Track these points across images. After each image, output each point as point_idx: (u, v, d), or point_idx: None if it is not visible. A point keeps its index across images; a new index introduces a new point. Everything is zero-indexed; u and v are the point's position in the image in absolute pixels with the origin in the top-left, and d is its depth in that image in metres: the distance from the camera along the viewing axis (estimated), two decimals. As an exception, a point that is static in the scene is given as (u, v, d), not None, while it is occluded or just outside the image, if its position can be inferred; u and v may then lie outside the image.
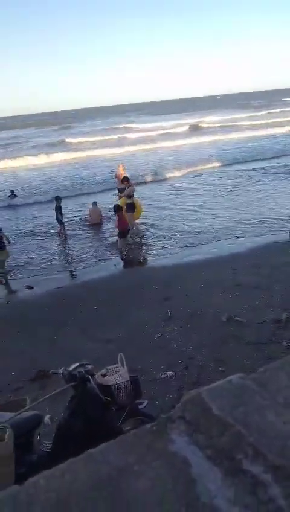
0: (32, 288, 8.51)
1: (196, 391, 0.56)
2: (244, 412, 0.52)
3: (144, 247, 10.58)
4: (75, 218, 13.72)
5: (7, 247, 9.66)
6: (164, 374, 4.96)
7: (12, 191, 17.48)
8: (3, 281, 9.14)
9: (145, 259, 9.81)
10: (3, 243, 9.47)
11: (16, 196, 17.23)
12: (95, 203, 13.27)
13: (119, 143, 33.33)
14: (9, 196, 17.26)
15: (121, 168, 14.48)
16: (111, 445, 0.51)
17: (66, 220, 12.79)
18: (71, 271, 9.56)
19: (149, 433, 0.53)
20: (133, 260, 10.08)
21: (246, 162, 21.02)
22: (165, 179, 18.55)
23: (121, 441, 0.52)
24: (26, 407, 3.27)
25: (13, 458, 2.86)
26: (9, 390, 4.99)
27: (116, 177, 14.42)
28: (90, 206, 13.21)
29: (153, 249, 10.29)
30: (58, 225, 12.30)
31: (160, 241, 10.80)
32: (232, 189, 15.52)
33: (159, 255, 9.77)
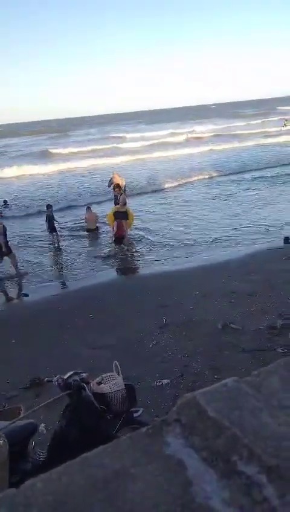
0: (27, 295, 8.48)
1: (191, 394, 0.57)
2: (239, 414, 0.53)
3: (138, 255, 10.60)
4: (69, 223, 13.77)
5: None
6: (159, 382, 4.94)
7: (5, 201, 17.38)
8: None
9: (139, 267, 9.83)
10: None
11: (8, 206, 17.11)
12: (89, 208, 13.28)
13: (109, 153, 32.53)
14: (1, 206, 17.15)
15: (116, 176, 14.43)
16: (107, 448, 0.52)
17: (60, 226, 12.80)
18: (66, 279, 9.54)
19: (145, 437, 0.53)
20: (127, 268, 10.10)
21: (241, 172, 21.10)
22: (160, 189, 18.51)
23: (116, 445, 0.52)
24: (21, 416, 3.25)
25: (7, 466, 2.84)
26: (4, 398, 4.95)
27: (112, 185, 14.22)
28: (85, 212, 13.27)
29: (147, 257, 10.32)
30: (50, 234, 12.29)
31: (154, 249, 10.84)
32: (226, 198, 15.63)
33: (154, 263, 9.79)
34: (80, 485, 0.46)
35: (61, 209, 15.72)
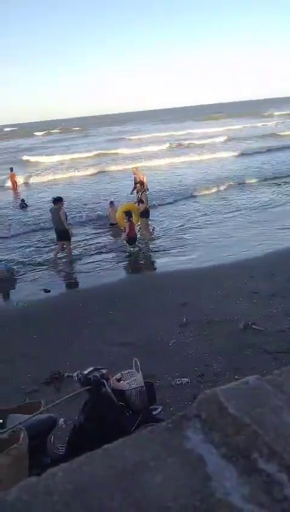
0: (49, 291, 8.60)
1: (212, 390, 0.57)
2: (260, 412, 0.53)
3: (159, 253, 10.61)
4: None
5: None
6: (179, 381, 4.93)
7: (23, 200, 17.60)
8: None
9: (160, 265, 9.83)
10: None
11: (27, 206, 17.28)
12: (112, 202, 13.45)
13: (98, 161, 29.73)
14: (20, 205, 17.41)
15: (138, 172, 14.34)
16: (127, 441, 0.52)
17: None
18: (87, 275, 9.64)
19: (165, 431, 0.53)
20: (148, 265, 10.13)
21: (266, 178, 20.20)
22: (187, 194, 17.91)
23: (136, 437, 0.53)
24: (41, 410, 3.30)
25: (27, 460, 2.89)
26: (24, 392, 5.03)
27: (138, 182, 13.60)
28: (108, 207, 13.43)
29: (169, 255, 10.30)
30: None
31: (177, 247, 10.81)
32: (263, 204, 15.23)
33: (176, 261, 9.76)
34: (101, 475, 0.47)
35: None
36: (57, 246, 11.00)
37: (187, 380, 4.94)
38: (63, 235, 10.62)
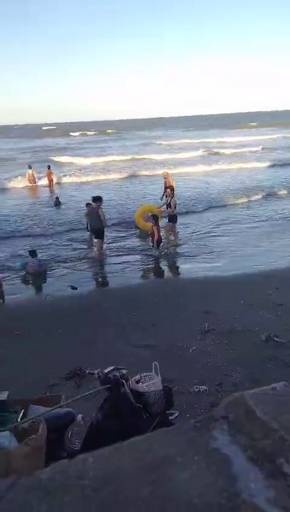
0: (76, 288, 8.76)
1: (240, 393, 0.58)
2: (287, 418, 0.53)
3: (185, 259, 10.59)
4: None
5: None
6: (197, 388, 4.90)
7: (57, 198, 17.91)
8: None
9: (185, 271, 9.81)
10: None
11: (60, 203, 17.57)
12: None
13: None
14: (54, 203, 17.74)
15: (169, 177, 14.36)
16: (154, 436, 0.54)
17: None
18: (113, 275, 9.74)
19: (192, 429, 0.55)
20: (173, 271, 10.13)
21: None
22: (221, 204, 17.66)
23: (163, 433, 0.54)
24: (61, 404, 3.35)
25: (44, 451, 2.94)
26: (45, 385, 5.12)
27: (168, 187, 13.60)
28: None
29: (194, 261, 10.27)
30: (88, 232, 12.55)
31: (202, 254, 10.77)
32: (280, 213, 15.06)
33: (200, 268, 9.72)
34: (129, 466, 0.49)
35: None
36: (96, 243, 11.27)
37: (205, 387, 4.90)
38: (99, 233, 10.86)
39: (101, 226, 10.87)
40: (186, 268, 9.91)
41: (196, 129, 79.05)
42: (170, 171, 16.49)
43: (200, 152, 36.46)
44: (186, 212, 15.17)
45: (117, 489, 0.46)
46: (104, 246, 11.39)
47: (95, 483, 0.47)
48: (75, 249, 11.81)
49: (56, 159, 33.76)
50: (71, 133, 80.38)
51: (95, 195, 11.47)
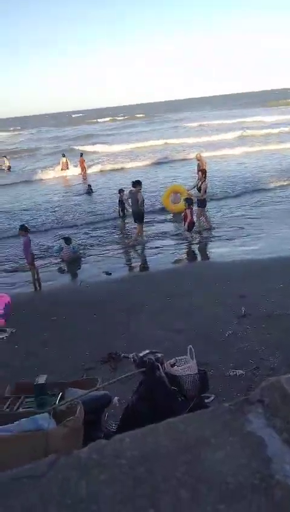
0: (110, 274, 8.90)
1: (276, 378, 0.57)
2: None
3: (221, 242, 10.46)
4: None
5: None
6: (233, 372, 4.88)
7: (89, 186, 18.08)
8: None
9: (221, 254, 9.69)
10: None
11: (92, 191, 17.73)
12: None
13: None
14: (86, 191, 17.90)
15: (203, 159, 14.10)
16: (189, 417, 0.55)
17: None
18: (147, 261, 9.79)
19: (227, 412, 0.55)
20: (207, 254, 10.03)
21: None
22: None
23: (199, 415, 0.55)
24: (98, 387, 3.43)
25: (82, 432, 3.04)
26: (82, 369, 5.26)
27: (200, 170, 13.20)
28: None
29: (230, 244, 10.13)
30: (120, 218, 12.56)
31: (239, 237, 10.60)
32: None
33: (237, 251, 9.58)
34: (164, 446, 0.50)
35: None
36: (136, 227, 11.41)
37: (242, 371, 4.87)
38: (139, 217, 11.00)
39: (140, 210, 10.96)
40: (222, 251, 9.78)
41: (230, 108, 76.64)
42: (204, 154, 16.17)
43: (235, 133, 35.27)
44: (223, 197, 14.90)
45: (152, 468, 0.48)
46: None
47: (131, 462, 0.49)
48: (108, 235, 11.95)
49: (87, 148, 33.69)
50: (99, 120, 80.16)
51: (135, 179, 11.54)
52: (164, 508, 0.42)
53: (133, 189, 11.11)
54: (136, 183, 11.08)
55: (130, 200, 11.60)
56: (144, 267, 9.51)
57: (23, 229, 8.84)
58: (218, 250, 9.98)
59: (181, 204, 11.65)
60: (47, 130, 65.17)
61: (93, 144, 35.85)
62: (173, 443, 0.51)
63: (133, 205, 11.27)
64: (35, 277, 8.78)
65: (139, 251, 10.57)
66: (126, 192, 12.13)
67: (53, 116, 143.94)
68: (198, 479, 0.46)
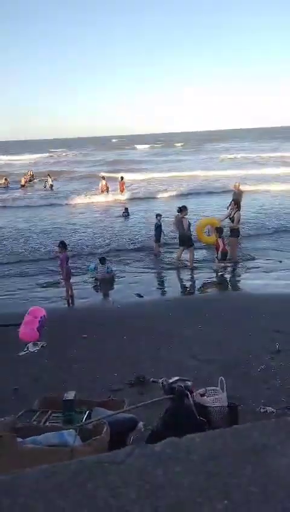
0: (142, 297, 8.92)
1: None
2: None
3: (258, 274, 10.32)
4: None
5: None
6: (264, 409, 4.73)
7: (126, 209, 18.46)
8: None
9: (256, 286, 9.54)
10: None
11: (129, 214, 18.13)
12: None
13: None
14: (123, 214, 18.25)
15: (240, 188, 14.18)
16: (253, 426, 0.58)
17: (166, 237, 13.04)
18: (179, 286, 9.79)
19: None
20: (242, 285, 9.90)
21: None
22: None
23: (262, 425, 0.59)
24: (125, 409, 3.43)
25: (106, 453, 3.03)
26: (109, 390, 5.26)
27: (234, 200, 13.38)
28: None
29: (268, 277, 9.97)
30: (155, 243, 12.61)
31: (276, 270, 10.44)
32: None
33: (273, 285, 9.41)
34: (232, 448, 0.53)
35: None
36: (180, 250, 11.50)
37: (272, 409, 4.71)
38: (184, 241, 11.14)
39: (185, 234, 11.12)
40: (258, 283, 9.61)
41: (272, 140, 76.25)
42: (244, 187, 16.17)
43: (278, 169, 34.47)
44: (261, 232, 14.71)
45: (221, 464, 0.51)
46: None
47: (202, 459, 0.53)
48: (142, 258, 12.07)
49: (125, 174, 33.95)
50: (137, 146, 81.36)
51: (181, 205, 11.72)
52: (236, 500, 0.46)
53: (179, 214, 11.26)
54: (182, 209, 11.28)
55: (176, 225, 11.68)
56: (176, 292, 9.49)
57: (62, 245, 9.10)
58: (254, 282, 9.82)
59: (213, 237, 11.66)
60: (87, 152, 67.17)
61: (130, 170, 36.48)
62: (239, 446, 0.55)
63: (179, 229, 11.39)
64: (69, 293, 8.95)
65: (173, 276, 10.58)
66: (165, 218, 12.27)
67: (91, 140, 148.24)
68: (266, 478, 0.49)
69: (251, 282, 9.91)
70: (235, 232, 11.62)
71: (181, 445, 0.56)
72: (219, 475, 0.50)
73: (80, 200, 23.60)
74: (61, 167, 44.35)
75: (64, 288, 9.10)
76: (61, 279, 9.33)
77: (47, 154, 68.53)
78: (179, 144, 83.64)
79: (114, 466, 0.51)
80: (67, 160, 56.74)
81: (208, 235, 12.68)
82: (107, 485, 0.49)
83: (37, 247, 13.83)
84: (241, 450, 0.55)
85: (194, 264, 11.13)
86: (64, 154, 70.38)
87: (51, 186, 28.27)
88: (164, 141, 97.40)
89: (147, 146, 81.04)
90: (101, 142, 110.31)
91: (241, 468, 0.52)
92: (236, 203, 12.18)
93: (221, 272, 10.71)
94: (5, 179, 31.24)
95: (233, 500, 0.47)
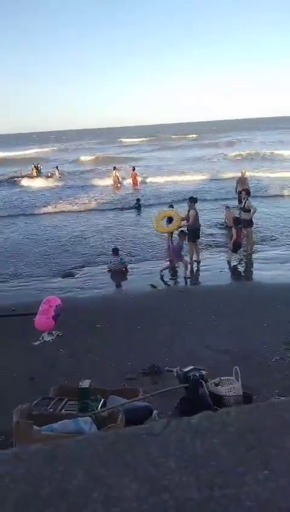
0: (156, 287, 8.96)
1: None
2: None
3: (274, 264, 10.22)
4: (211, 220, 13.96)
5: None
6: (278, 399, 4.72)
7: (138, 200, 18.04)
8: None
9: (271, 276, 9.45)
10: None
11: (141, 206, 17.72)
12: (228, 207, 13.55)
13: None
14: (134, 205, 17.97)
15: (244, 177, 14.17)
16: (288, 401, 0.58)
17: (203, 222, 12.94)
18: (194, 276, 9.77)
19: None
20: (256, 275, 9.83)
21: None
22: None
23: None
24: (140, 397, 3.46)
25: (122, 442, 3.06)
26: (123, 378, 5.32)
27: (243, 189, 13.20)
28: (224, 211, 13.55)
29: (284, 268, 9.87)
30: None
31: (286, 261, 10.33)
32: None
33: (286, 274, 9.32)
34: (269, 421, 0.53)
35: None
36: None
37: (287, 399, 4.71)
38: (192, 234, 10.82)
39: (191, 226, 10.75)
40: (273, 274, 9.51)
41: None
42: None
43: None
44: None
45: (260, 437, 0.51)
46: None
47: (240, 430, 0.53)
48: (156, 248, 12.05)
49: (136, 163, 33.39)
50: (151, 137, 79.28)
51: (191, 195, 11.50)
52: (277, 470, 0.46)
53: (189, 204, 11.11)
54: (190, 200, 11.06)
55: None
56: (189, 283, 9.47)
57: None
58: (270, 273, 9.71)
59: (172, 226, 11.29)
60: (100, 146, 66.34)
61: (150, 164, 35.87)
62: (276, 420, 0.55)
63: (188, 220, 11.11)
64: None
65: (184, 267, 10.53)
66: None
67: (102, 131, 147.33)
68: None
69: (266, 273, 9.82)
70: (249, 222, 11.49)
71: (217, 418, 0.56)
72: (258, 447, 0.50)
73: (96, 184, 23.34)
74: (68, 158, 43.82)
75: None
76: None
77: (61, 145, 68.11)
78: (192, 136, 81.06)
79: (152, 437, 0.52)
80: (74, 150, 55.96)
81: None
82: (146, 455, 0.50)
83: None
84: (279, 424, 0.54)
85: (208, 254, 11.08)
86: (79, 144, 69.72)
87: (60, 178, 28.10)
88: (178, 131, 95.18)
89: (158, 137, 79.32)
90: (112, 134, 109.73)
91: (281, 441, 0.52)
92: (247, 192, 12.05)
93: (235, 262, 10.62)
94: (36, 167, 29.69)
95: (274, 471, 0.47)
